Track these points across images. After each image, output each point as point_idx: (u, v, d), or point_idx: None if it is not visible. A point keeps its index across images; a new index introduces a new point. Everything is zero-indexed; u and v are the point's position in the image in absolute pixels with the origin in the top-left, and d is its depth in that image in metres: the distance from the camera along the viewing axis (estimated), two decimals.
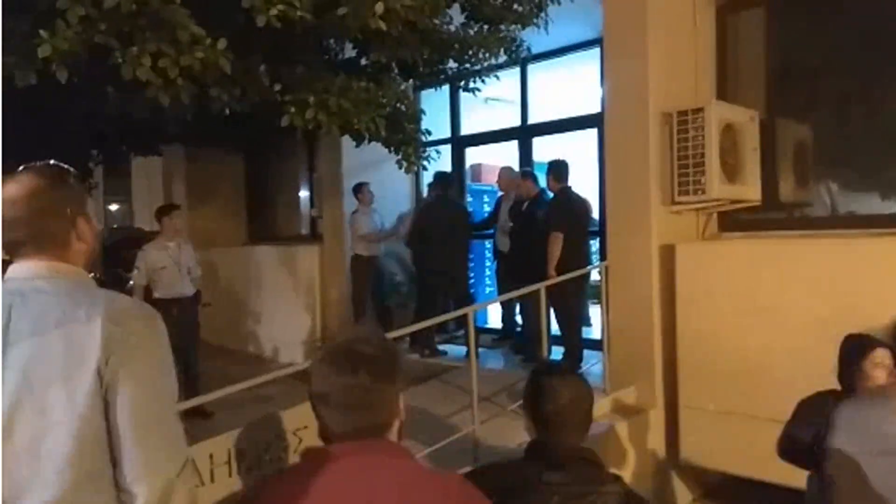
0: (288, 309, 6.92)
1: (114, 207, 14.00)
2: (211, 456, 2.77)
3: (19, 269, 1.32)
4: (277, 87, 3.31)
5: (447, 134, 6.77)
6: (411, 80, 4.74)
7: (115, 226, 12.80)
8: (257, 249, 7.52)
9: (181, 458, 1.30)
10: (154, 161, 8.80)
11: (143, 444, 1.24)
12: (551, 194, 5.35)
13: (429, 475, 1.33)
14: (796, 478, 2.93)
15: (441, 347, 5.74)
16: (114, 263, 7.30)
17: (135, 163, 10.00)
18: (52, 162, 1.40)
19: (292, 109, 3.28)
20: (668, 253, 4.52)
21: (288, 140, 7.00)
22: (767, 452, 3.25)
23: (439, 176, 5.82)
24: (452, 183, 5.87)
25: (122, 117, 4.06)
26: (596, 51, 5.57)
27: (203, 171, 7.92)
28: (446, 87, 6.04)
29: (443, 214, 5.61)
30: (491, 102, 6.59)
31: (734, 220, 4.80)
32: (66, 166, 1.42)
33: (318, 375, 1.31)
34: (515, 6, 4.29)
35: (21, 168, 1.35)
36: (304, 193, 7.80)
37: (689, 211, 4.70)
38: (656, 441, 4.46)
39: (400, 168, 4.39)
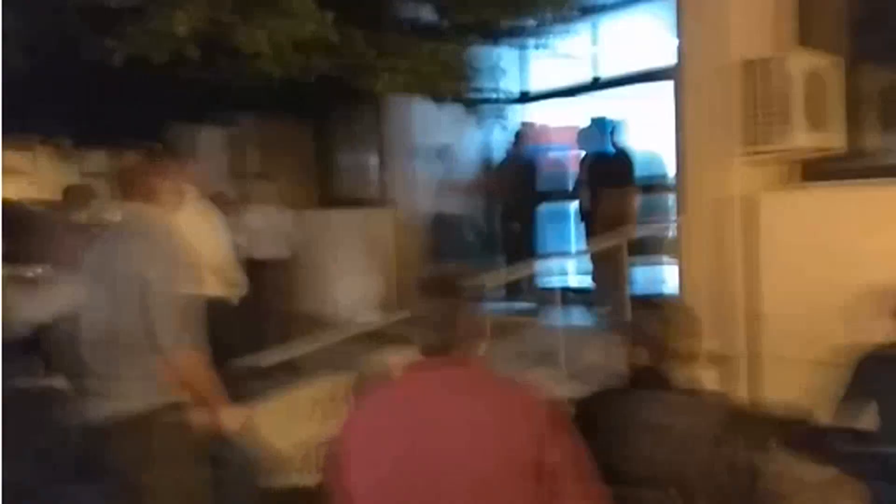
0: (362, 271, 7.29)
1: None
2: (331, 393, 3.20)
3: None
4: (372, 54, 3.57)
5: (516, 92, 6.92)
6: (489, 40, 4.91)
7: None
8: (328, 214, 7.88)
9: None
10: (214, 132, 9.19)
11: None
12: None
13: (504, 383, 1.61)
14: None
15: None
16: None
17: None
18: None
19: (385, 75, 3.54)
20: (749, 204, 4.64)
21: (355, 104, 7.29)
22: None
23: (517, 133, 6.09)
24: (529, 139, 6.12)
25: (214, 90, 4.39)
26: (666, 3, 5.62)
27: (273, 138, 8.27)
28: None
29: (523, 171, 5.89)
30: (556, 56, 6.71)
31: (819, 169, 4.86)
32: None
33: (414, 298, 1.64)
34: None
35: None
36: (371, 157, 8.10)
37: (772, 161, 4.78)
38: (740, 388, 4.65)
39: (483, 129, 4.61)
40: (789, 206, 4.54)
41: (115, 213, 2.74)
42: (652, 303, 2.07)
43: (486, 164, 7.14)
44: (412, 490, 1.48)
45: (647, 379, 1.86)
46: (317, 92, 5.05)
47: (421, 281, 1.71)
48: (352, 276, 7.32)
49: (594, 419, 1.81)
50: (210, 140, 7.52)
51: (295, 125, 8.21)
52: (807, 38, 4.89)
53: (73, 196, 4.13)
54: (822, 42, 4.84)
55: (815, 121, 4.53)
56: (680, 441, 1.71)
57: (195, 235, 3.92)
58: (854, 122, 4.76)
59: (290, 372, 4.51)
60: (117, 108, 5.99)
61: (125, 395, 2.32)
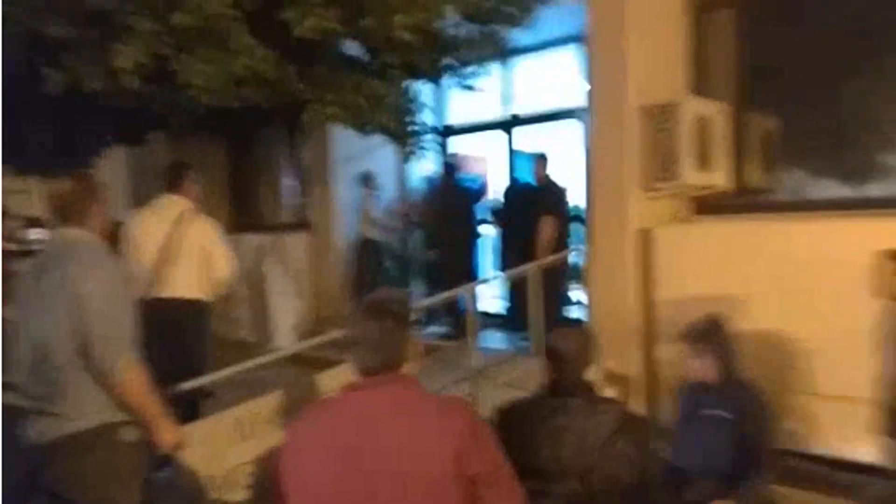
0: (278, 295, 7.37)
1: None
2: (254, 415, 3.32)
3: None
4: (301, 87, 3.79)
5: (434, 125, 7.28)
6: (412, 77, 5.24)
7: None
8: (244, 238, 7.92)
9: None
10: (118, 152, 9.03)
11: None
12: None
13: (434, 400, 1.75)
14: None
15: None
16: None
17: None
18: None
19: (315, 107, 3.77)
20: (648, 236, 5.13)
21: (271, 129, 7.43)
22: None
23: (447, 163, 6.43)
24: (460, 168, 6.47)
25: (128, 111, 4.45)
26: (577, 46, 6.15)
27: (189, 160, 8.22)
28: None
29: (453, 200, 6.22)
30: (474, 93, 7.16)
31: (706, 205, 5.43)
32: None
33: (351, 322, 1.78)
34: (505, 9, 4.82)
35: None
36: (287, 182, 8.21)
37: (665, 197, 5.31)
38: (637, 405, 5.09)
39: (406, 159, 4.91)
40: (682, 239, 5.06)
41: (49, 235, 2.80)
42: (560, 325, 2.40)
43: (408, 193, 7.47)
44: (347, 500, 1.62)
45: (556, 389, 2.19)
46: (236, 115, 5.18)
47: (360, 303, 1.87)
48: (270, 300, 7.39)
49: (511, 424, 2.11)
50: (120, 164, 7.44)
51: (211, 148, 8.22)
52: (698, 85, 5.50)
53: None
54: (711, 90, 5.45)
55: (704, 162, 5.09)
56: (580, 440, 2.03)
57: (203, 248, 4.09)
58: (738, 163, 5.38)
59: (207, 396, 4.57)
60: (26, 129, 5.89)
61: (68, 415, 2.37)
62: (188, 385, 3.47)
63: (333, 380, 3.24)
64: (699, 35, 5.49)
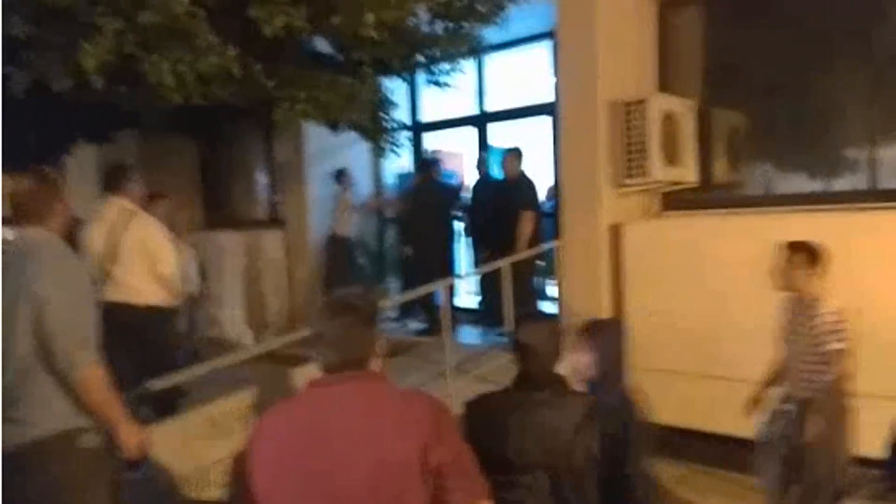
0: (253, 293, 7.35)
1: None
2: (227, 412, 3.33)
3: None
4: (271, 84, 3.79)
5: (406, 121, 7.30)
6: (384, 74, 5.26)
7: None
8: (217, 235, 7.87)
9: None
10: (86, 151, 8.91)
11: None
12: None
13: (397, 394, 1.76)
14: (739, 427, 3.68)
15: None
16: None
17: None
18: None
19: (285, 104, 3.78)
20: (616, 231, 5.22)
21: (242, 126, 7.39)
22: (709, 405, 4.01)
23: (426, 160, 6.46)
24: (438, 166, 6.50)
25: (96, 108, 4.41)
26: (547, 43, 6.22)
27: (155, 157, 8.16)
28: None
29: (431, 196, 6.27)
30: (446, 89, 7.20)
31: (675, 201, 5.55)
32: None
33: (316, 319, 1.78)
34: (477, 6, 4.86)
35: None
36: (260, 178, 8.18)
37: (635, 192, 5.40)
38: None
39: (378, 156, 4.93)
40: (650, 233, 5.16)
41: (8, 235, 2.75)
42: (527, 317, 2.43)
43: (382, 189, 7.49)
44: (313, 495, 1.63)
45: (523, 382, 2.23)
46: (207, 113, 5.15)
47: (325, 301, 1.83)
48: (241, 298, 7.38)
49: (479, 417, 2.15)
50: (89, 161, 7.32)
51: (181, 145, 8.15)
52: (665, 83, 5.60)
53: None
54: (678, 87, 5.55)
55: (671, 157, 5.19)
56: (546, 433, 2.07)
57: (144, 246, 4.06)
58: (705, 158, 5.49)
59: (182, 395, 4.57)
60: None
61: (28, 421, 2.34)
62: (159, 385, 3.46)
63: (305, 376, 3.26)
64: (666, 32, 5.59)
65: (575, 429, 2.07)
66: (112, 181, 4.25)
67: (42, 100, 3.98)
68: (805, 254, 3.26)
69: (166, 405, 3.77)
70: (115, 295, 4.04)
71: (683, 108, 5.33)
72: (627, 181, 5.19)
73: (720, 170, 5.60)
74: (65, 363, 2.31)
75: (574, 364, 2.54)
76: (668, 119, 5.20)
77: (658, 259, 5.03)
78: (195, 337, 6.27)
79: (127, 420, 2.46)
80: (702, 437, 4.64)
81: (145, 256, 4.05)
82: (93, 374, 2.35)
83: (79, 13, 2.84)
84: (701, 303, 4.79)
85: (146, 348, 4.06)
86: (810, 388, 3.21)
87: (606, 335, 2.65)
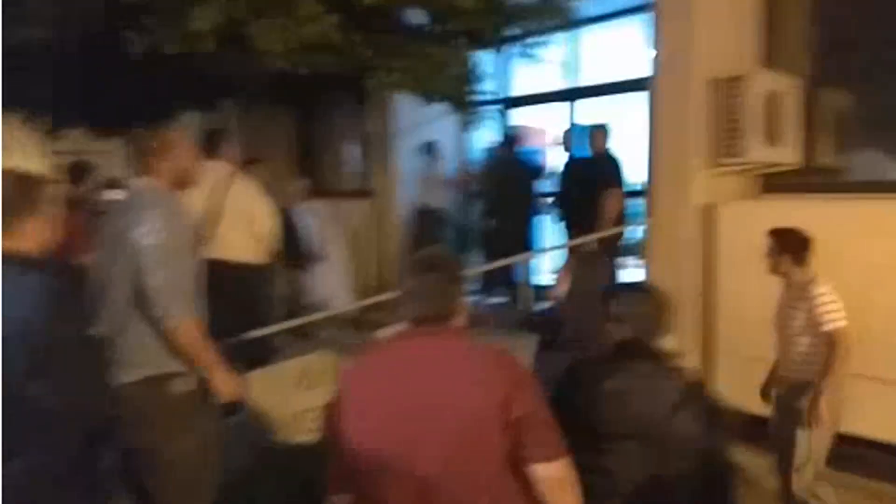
0: (342, 261, 7.57)
1: None
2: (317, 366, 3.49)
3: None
4: (368, 53, 3.88)
5: (495, 95, 7.28)
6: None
7: None
8: (313, 203, 8.12)
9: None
10: (190, 118, 9.36)
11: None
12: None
13: (479, 348, 1.82)
14: None
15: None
16: None
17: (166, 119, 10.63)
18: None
19: (380, 74, 3.86)
20: (710, 212, 5.05)
21: (336, 97, 7.58)
22: None
23: (509, 135, 6.44)
24: (520, 141, 6.50)
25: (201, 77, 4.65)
26: (644, 16, 6.03)
27: (254, 124, 8.49)
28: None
29: (513, 171, 6.29)
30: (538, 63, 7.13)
31: (774, 183, 5.30)
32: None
33: (405, 276, 1.89)
34: None
35: None
36: (351, 150, 8.38)
37: (731, 173, 5.20)
38: None
39: (466, 129, 4.96)
40: (746, 215, 4.96)
41: (127, 185, 2.89)
42: (627, 288, 2.41)
43: (467, 163, 7.54)
44: (396, 441, 1.71)
45: (620, 351, 2.21)
46: (302, 83, 5.31)
47: (414, 258, 1.96)
48: (332, 264, 7.60)
49: (573, 383, 2.17)
50: (206, 125, 7.69)
51: (277, 115, 8.45)
52: (770, 59, 5.34)
53: (76, 171, 4.34)
54: (783, 64, 5.28)
55: (773, 138, 4.96)
56: (643, 404, 2.07)
57: (243, 206, 4.26)
58: (810, 140, 5.22)
59: (273, 351, 4.80)
60: (107, 91, 6.20)
61: (124, 363, 2.39)
62: (254, 334, 3.63)
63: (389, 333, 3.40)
64: (771, 6, 5.32)
65: (672, 405, 2.06)
66: (211, 145, 4.41)
67: (152, 66, 4.24)
68: (786, 240, 3.50)
69: (258, 358, 3.96)
70: (215, 252, 4.26)
71: (787, 86, 5.07)
72: (723, 161, 5.01)
73: (825, 152, 5.31)
74: (157, 312, 2.35)
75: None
76: (771, 97, 4.97)
77: (753, 242, 4.82)
78: (298, 300, 6.49)
79: (222, 366, 2.50)
80: None
81: (243, 216, 4.25)
82: (185, 325, 2.38)
83: None
84: None
85: (241, 303, 4.27)
86: (806, 371, 3.30)
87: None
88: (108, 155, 8.14)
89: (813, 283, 3.37)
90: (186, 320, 2.38)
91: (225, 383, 2.51)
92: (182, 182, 2.68)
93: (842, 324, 3.22)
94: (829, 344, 3.19)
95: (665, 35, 5.27)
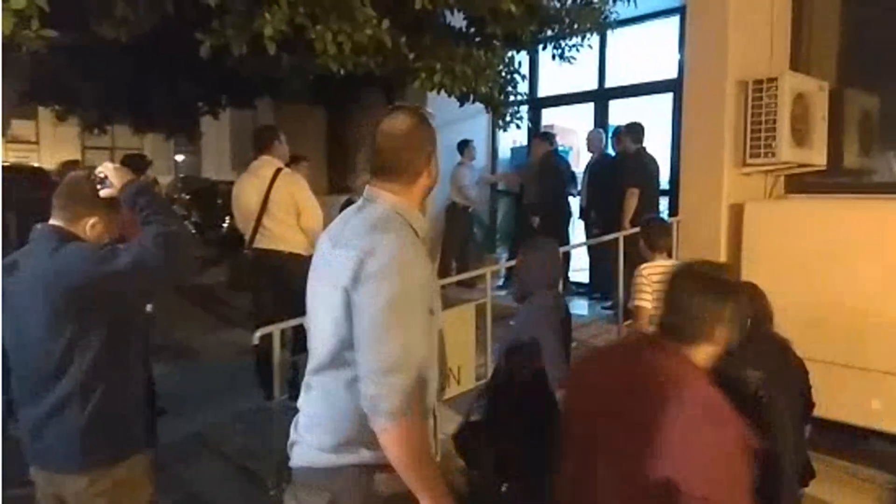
0: None
1: (180, 158, 15.00)
2: None
3: (370, 188, 1.81)
4: (412, 56, 4.10)
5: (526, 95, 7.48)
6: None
7: (181, 174, 13.85)
8: (340, 200, 8.36)
9: (405, 370, 1.61)
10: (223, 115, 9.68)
11: (370, 350, 1.62)
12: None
13: (706, 399, 1.59)
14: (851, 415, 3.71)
15: None
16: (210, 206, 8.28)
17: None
18: (417, 106, 1.86)
19: (423, 74, 4.09)
20: (736, 211, 5.22)
21: (368, 96, 7.80)
22: (827, 393, 4.04)
23: (539, 134, 6.72)
24: (551, 140, 6.74)
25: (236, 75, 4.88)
26: (676, 18, 6.21)
27: (288, 123, 8.77)
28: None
29: (543, 170, 6.53)
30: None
31: (800, 183, 5.46)
32: (428, 111, 1.87)
33: (671, 279, 1.75)
34: None
35: (392, 108, 1.82)
36: None
37: (758, 173, 5.36)
38: None
39: (499, 128, 5.16)
40: (773, 214, 5.12)
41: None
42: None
43: (498, 162, 7.77)
44: (600, 431, 1.68)
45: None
46: (337, 83, 5.53)
47: (687, 266, 1.80)
48: None
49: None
50: (237, 123, 7.96)
51: (311, 114, 8.70)
52: (798, 61, 5.49)
53: (132, 165, 4.56)
54: (811, 66, 5.43)
55: (800, 138, 5.12)
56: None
57: (292, 200, 4.50)
58: (836, 141, 5.36)
59: None
60: (152, 89, 6.50)
61: (314, 441, 1.78)
62: (295, 323, 3.78)
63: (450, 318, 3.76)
64: (801, 8, 5.47)
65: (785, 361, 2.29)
66: (261, 141, 4.66)
67: (193, 67, 4.47)
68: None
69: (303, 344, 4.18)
70: (266, 243, 4.53)
71: (816, 88, 5.23)
72: (751, 161, 5.17)
73: (851, 154, 5.46)
74: (368, 398, 1.63)
75: None
76: (799, 99, 5.12)
77: (779, 241, 4.99)
78: None
79: (436, 493, 1.67)
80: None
81: (292, 209, 4.49)
82: (408, 429, 1.63)
83: None
84: (820, 289, 4.74)
85: (288, 291, 4.49)
86: None
87: None
88: (148, 151, 8.46)
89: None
90: (411, 421, 1.63)
91: None
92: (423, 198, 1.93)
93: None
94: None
95: (696, 37, 5.43)
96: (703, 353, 1.66)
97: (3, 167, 7.09)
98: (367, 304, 1.63)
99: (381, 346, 1.62)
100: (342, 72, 3.72)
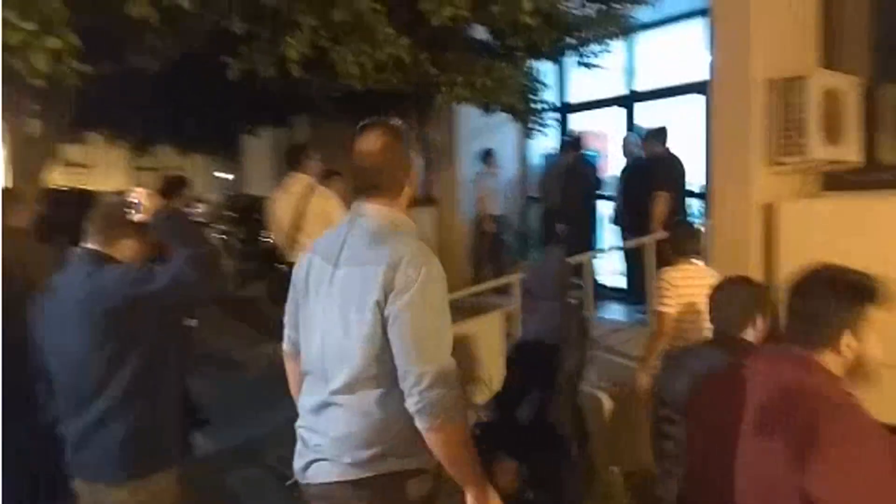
0: None
1: (223, 176, 15.41)
2: None
3: (360, 205, 1.88)
4: (434, 71, 4.20)
5: (553, 102, 7.51)
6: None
7: (225, 191, 14.21)
8: None
9: (453, 368, 1.73)
10: (264, 132, 9.95)
11: (409, 356, 1.70)
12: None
13: (829, 391, 1.51)
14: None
15: None
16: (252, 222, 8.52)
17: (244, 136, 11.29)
18: (394, 120, 1.88)
19: (444, 88, 4.17)
20: (768, 211, 5.14)
21: (399, 110, 7.93)
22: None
23: (568, 140, 6.70)
24: (580, 145, 6.74)
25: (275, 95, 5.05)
26: (701, 20, 6.15)
27: (324, 139, 8.95)
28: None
29: (573, 176, 6.53)
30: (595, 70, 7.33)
31: (834, 181, 5.35)
32: (403, 124, 1.88)
33: (801, 283, 1.66)
34: None
35: (364, 125, 1.84)
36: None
37: (790, 172, 5.28)
38: None
39: (526, 136, 5.22)
40: (806, 213, 5.03)
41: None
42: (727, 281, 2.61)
43: (528, 169, 7.80)
44: (714, 461, 1.62)
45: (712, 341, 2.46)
46: (369, 98, 5.67)
47: (818, 270, 1.70)
48: None
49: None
50: (276, 141, 8.18)
51: (345, 129, 8.86)
52: (828, 59, 5.39)
53: (170, 185, 4.76)
54: (842, 63, 5.32)
55: (832, 136, 5.02)
56: None
57: (325, 216, 4.56)
58: (872, 138, 5.24)
59: None
60: (191, 110, 6.75)
61: (344, 455, 1.83)
62: None
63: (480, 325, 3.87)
64: (830, 5, 5.37)
65: None
66: (293, 158, 4.79)
67: (230, 87, 4.65)
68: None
69: None
70: (295, 257, 4.65)
71: (847, 85, 5.13)
72: (783, 159, 5.09)
73: (887, 150, 5.33)
74: (419, 406, 1.70)
75: None
76: (830, 96, 5.03)
77: (816, 240, 4.90)
78: None
79: (482, 483, 1.81)
80: None
81: (325, 225, 4.60)
82: (456, 430, 1.73)
83: (282, 12, 3.37)
84: None
85: None
86: None
87: None
88: (191, 170, 8.75)
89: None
90: (455, 424, 1.72)
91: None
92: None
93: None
94: None
95: (722, 37, 5.37)
96: (835, 362, 1.57)
97: (56, 190, 7.41)
98: (414, 311, 1.69)
99: (433, 348, 1.71)
100: (366, 88, 3.83)
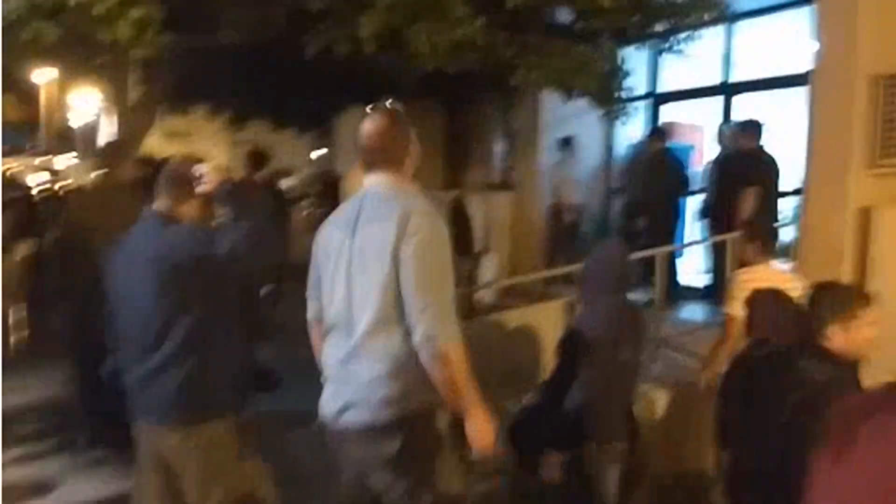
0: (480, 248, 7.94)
1: (316, 154, 15.83)
2: None
3: (370, 178, 2.21)
4: (510, 52, 4.17)
5: (644, 90, 7.29)
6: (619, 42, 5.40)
7: (315, 167, 14.62)
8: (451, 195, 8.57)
9: (453, 302, 2.07)
10: (355, 110, 10.14)
11: (417, 295, 2.01)
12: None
13: None
14: None
15: None
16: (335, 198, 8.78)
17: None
18: (388, 104, 2.27)
19: (520, 71, 4.14)
20: (865, 216, 4.83)
21: (483, 94, 7.93)
22: None
23: (653, 130, 6.51)
24: (665, 136, 6.53)
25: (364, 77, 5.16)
26: (806, 9, 5.81)
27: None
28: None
29: (658, 167, 6.35)
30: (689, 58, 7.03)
31: None
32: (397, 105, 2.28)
33: None
34: None
35: (369, 110, 2.19)
36: (496, 144, 8.72)
37: (892, 175, 4.92)
38: None
39: (609, 124, 5.10)
40: None
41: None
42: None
43: (613, 159, 7.62)
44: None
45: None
46: (452, 81, 5.68)
47: None
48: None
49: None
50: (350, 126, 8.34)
51: (430, 112, 8.95)
52: None
53: (254, 158, 4.96)
54: None
55: None
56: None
57: None
58: None
59: None
60: (283, 87, 6.99)
61: (368, 398, 2.10)
62: None
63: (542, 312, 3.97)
64: None
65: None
66: None
67: (321, 67, 4.79)
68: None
69: None
70: None
71: None
72: (886, 161, 4.76)
73: None
74: (421, 334, 1.99)
75: None
76: None
77: None
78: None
79: (482, 406, 2.07)
80: None
81: None
82: (454, 351, 2.00)
83: None
84: None
85: None
86: None
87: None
88: (280, 146, 9.07)
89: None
90: (456, 346, 2.01)
91: (483, 427, 2.07)
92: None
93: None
94: None
95: (827, 28, 5.07)
96: None
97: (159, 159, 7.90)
98: (420, 252, 2.01)
99: (439, 284, 2.04)
100: (442, 69, 3.86)
